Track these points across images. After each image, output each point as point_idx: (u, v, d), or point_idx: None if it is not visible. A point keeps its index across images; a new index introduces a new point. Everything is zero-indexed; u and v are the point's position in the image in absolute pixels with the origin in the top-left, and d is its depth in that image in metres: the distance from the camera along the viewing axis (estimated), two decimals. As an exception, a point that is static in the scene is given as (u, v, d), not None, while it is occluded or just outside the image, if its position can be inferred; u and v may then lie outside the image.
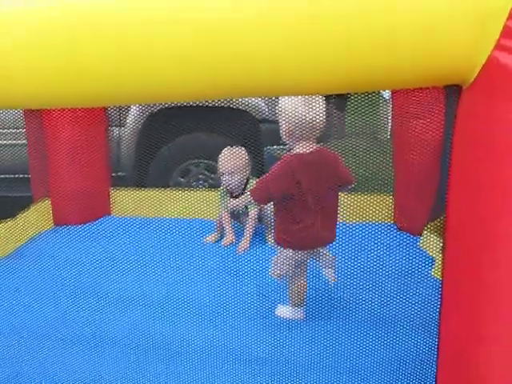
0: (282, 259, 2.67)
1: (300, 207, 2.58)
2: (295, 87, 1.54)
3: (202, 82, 1.49)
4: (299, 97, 2.53)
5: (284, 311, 2.79)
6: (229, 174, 3.73)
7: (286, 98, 2.58)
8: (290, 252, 2.65)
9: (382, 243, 3.48)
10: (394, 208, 3.98)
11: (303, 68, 1.44)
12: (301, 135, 2.57)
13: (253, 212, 3.75)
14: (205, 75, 1.47)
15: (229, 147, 3.82)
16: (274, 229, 2.75)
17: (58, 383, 2.36)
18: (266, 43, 1.40)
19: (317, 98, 2.54)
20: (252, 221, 3.75)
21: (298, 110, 2.51)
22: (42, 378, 2.39)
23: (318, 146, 2.66)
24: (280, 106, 2.59)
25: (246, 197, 2.78)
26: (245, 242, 3.69)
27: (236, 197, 3.69)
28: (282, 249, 2.68)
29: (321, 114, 2.55)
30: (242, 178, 3.77)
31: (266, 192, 2.63)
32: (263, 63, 1.43)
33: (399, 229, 3.83)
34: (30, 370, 2.44)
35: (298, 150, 2.62)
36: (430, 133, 3.44)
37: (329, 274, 2.75)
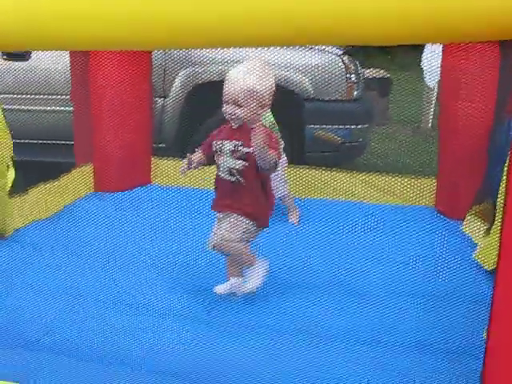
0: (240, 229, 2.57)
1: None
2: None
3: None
4: (246, 68, 2.49)
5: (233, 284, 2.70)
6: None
7: (237, 74, 2.52)
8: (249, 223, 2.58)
9: (423, 226, 3.45)
10: (436, 192, 3.92)
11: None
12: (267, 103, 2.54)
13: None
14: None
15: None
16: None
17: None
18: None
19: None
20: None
21: (264, 80, 2.47)
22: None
23: None
24: (248, 84, 2.48)
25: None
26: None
27: None
28: (242, 218, 2.57)
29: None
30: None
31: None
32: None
33: (440, 213, 3.77)
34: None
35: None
36: (479, 116, 3.39)
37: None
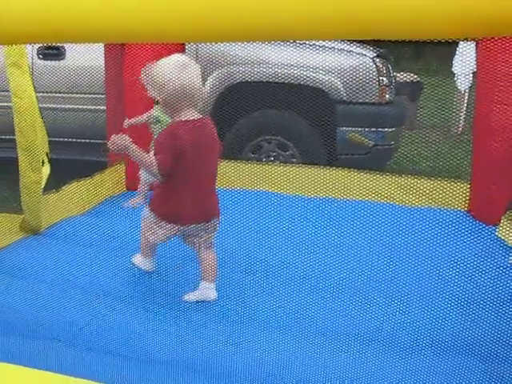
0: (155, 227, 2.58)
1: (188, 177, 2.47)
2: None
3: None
4: (172, 63, 2.39)
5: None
6: None
7: (159, 66, 2.42)
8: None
9: (457, 230, 3.42)
10: (470, 196, 3.89)
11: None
12: (179, 104, 2.41)
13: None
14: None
15: None
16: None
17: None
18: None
19: (191, 63, 2.41)
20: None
21: (172, 77, 2.36)
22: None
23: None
24: (153, 75, 2.42)
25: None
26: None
27: None
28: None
29: (196, 80, 2.40)
30: None
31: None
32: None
33: (474, 217, 3.74)
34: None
35: (181, 119, 2.45)
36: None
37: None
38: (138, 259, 2.75)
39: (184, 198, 2.48)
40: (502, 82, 3.43)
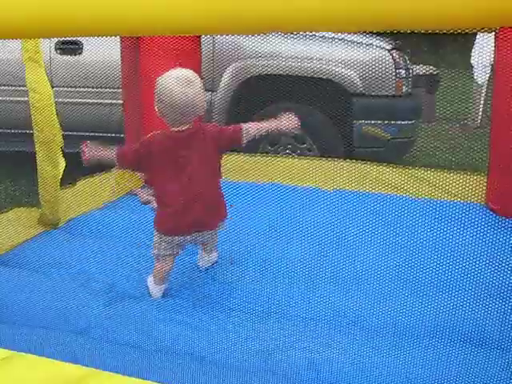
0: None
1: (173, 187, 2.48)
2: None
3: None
4: (171, 77, 2.42)
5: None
6: None
7: (161, 77, 2.47)
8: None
9: (475, 222, 3.40)
10: (488, 189, 3.86)
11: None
12: (170, 116, 2.46)
13: None
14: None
15: None
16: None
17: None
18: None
19: (192, 80, 2.42)
20: None
21: (166, 91, 2.40)
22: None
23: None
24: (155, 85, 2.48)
25: None
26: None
27: None
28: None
29: (190, 97, 2.40)
30: None
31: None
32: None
33: (492, 210, 3.71)
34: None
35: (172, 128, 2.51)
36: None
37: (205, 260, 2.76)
38: (151, 282, 2.71)
39: (173, 208, 2.49)
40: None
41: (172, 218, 2.50)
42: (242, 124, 2.58)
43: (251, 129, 2.57)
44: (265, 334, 2.29)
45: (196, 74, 2.48)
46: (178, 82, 2.38)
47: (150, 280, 2.69)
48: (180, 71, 2.46)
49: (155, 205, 3.82)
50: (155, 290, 2.67)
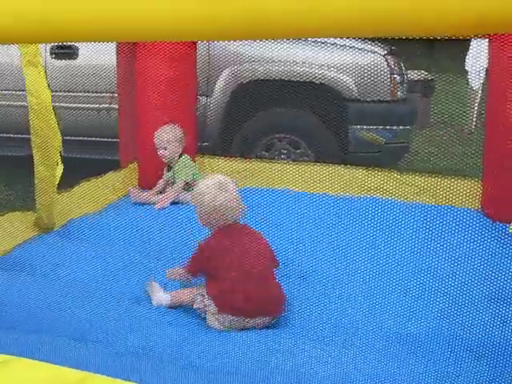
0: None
1: None
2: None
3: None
4: (209, 185, 2.56)
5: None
6: (162, 148, 4.04)
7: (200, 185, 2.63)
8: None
9: (470, 228, 3.41)
10: (482, 194, 3.88)
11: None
12: (214, 220, 2.56)
13: (179, 183, 4.03)
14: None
15: (166, 125, 4.06)
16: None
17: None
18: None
19: (227, 183, 2.56)
20: (177, 188, 4.02)
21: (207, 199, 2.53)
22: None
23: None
24: (194, 193, 2.65)
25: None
26: (164, 201, 3.96)
27: (171, 168, 4.10)
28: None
29: (229, 199, 2.52)
30: (173, 152, 4.05)
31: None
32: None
33: (487, 215, 3.73)
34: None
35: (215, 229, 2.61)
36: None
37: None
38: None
39: None
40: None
41: None
42: None
43: None
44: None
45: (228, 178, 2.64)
46: (216, 188, 2.55)
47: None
48: (213, 178, 2.65)
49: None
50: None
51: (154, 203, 4.00)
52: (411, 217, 3.52)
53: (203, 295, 2.52)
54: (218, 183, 2.57)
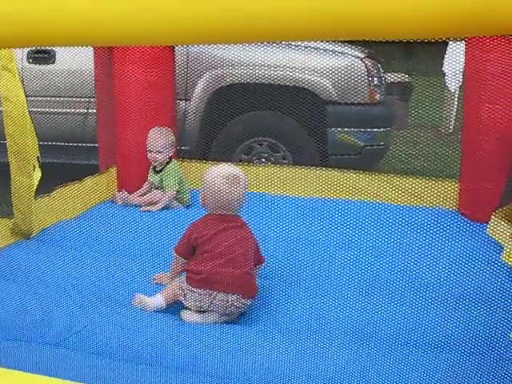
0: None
1: None
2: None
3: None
4: (226, 172, 2.62)
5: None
6: (156, 152, 4.02)
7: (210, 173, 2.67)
8: None
9: (447, 228, 3.45)
10: (460, 195, 3.92)
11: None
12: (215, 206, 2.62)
13: (171, 192, 4.02)
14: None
15: (157, 127, 4.06)
16: None
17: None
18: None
19: (241, 179, 2.63)
20: (168, 197, 4.01)
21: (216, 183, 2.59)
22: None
23: None
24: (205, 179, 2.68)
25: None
26: (153, 207, 3.98)
27: (159, 171, 4.09)
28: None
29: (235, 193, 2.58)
30: (166, 156, 4.07)
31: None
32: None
33: (464, 216, 3.76)
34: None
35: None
36: (503, 118, 3.38)
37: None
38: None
39: None
40: (489, 80, 3.45)
41: None
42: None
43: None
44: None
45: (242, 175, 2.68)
46: (226, 181, 2.60)
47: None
48: (225, 168, 2.69)
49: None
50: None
51: (140, 205, 4.01)
52: (388, 217, 3.56)
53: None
54: (233, 176, 2.61)
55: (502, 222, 3.29)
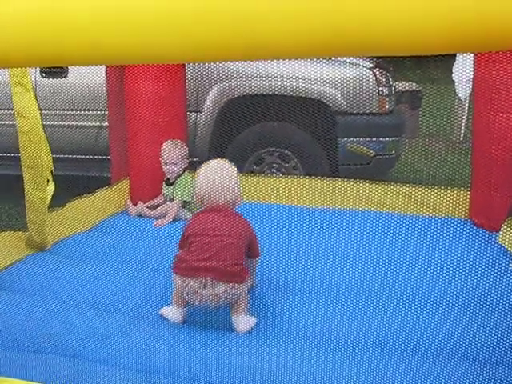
0: None
1: None
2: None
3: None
4: (210, 163, 2.70)
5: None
6: (172, 163, 4.05)
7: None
8: None
9: (459, 237, 3.45)
10: (471, 204, 3.92)
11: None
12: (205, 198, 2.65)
13: (177, 202, 4.05)
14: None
15: (170, 140, 4.10)
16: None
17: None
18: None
19: (227, 166, 2.68)
20: (175, 207, 4.03)
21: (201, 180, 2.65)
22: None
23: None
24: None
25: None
26: (164, 220, 3.98)
27: (171, 183, 4.12)
28: None
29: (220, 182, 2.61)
30: (181, 168, 4.11)
31: None
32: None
33: (475, 225, 3.77)
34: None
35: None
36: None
37: None
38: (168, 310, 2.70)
39: None
40: (499, 89, 3.46)
41: None
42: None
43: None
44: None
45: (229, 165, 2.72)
46: (210, 171, 2.67)
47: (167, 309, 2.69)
48: (212, 162, 2.74)
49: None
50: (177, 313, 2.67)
51: (153, 218, 4.05)
52: (402, 227, 3.56)
53: None
54: (217, 165, 2.69)
55: (512, 231, 3.30)
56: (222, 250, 2.52)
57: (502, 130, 3.49)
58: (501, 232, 3.43)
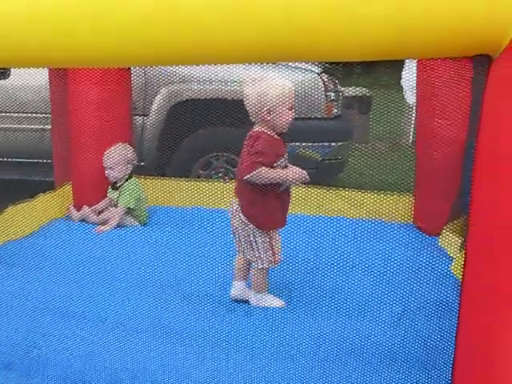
0: None
1: None
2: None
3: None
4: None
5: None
6: (110, 168, 4.03)
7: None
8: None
9: (401, 241, 3.49)
10: (414, 208, 3.96)
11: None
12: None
13: (120, 209, 4.00)
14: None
15: (117, 144, 4.05)
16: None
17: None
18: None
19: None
20: (118, 214, 3.98)
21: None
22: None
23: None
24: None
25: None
26: (107, 227, 3.93)
27: (117, 188, 4.07)
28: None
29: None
30: (122, 173, 4.05)
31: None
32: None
33: (418, 228, 3.81)
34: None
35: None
36: (454, 131, 3.44)
37: None
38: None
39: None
40: (439, 95, 3.51)
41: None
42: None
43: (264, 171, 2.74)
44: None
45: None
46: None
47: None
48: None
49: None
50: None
51: (96, 223, 3.99)
52: (344, 231, 3.58)
53: None
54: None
55: (452, 235, 3.34)
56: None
57: (441, 136, 3.53)
58: (441, 236, 3.49)
